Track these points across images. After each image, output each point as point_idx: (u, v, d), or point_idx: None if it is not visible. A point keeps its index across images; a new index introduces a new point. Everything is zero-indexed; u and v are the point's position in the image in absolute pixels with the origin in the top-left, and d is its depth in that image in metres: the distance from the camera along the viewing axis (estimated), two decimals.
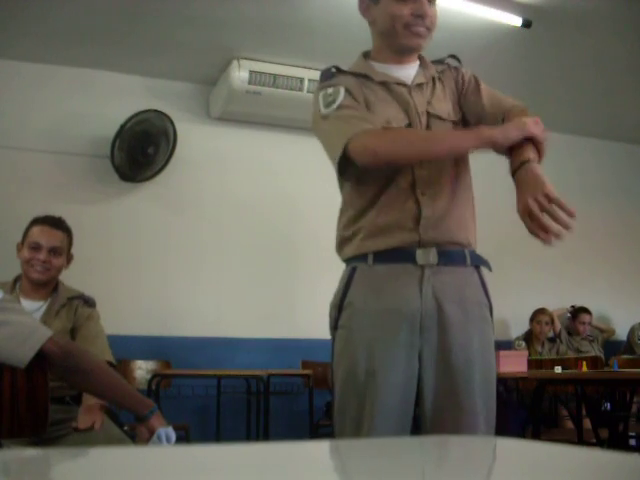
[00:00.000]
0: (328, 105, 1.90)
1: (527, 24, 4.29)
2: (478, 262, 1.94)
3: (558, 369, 3.91)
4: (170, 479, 0.76)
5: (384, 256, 1.87)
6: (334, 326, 1.92)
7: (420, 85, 1.98)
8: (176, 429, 4.56)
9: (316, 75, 2.14)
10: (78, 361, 1.99)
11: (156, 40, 4.59)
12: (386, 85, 1.96)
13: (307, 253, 5.12)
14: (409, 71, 2.00)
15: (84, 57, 4.79)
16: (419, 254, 1.85)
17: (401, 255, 1.86)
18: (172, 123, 4.81)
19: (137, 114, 4.72)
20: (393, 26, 1.92)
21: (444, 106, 1.99)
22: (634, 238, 6.33)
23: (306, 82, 4.84)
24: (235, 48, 4.75)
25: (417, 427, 1.87)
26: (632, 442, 4.47)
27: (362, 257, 1.89)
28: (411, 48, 1.97)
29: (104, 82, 4.96)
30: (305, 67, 4.82)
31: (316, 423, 4.45)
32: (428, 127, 1.94)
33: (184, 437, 4.34)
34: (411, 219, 1.86)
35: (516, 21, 4.28)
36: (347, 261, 1.95)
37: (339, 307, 1.90)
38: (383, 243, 1.87)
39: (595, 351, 5.66)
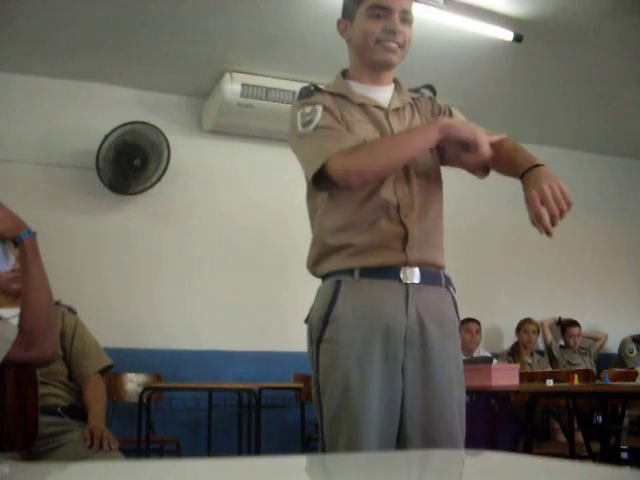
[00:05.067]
0: (305, 125, 1.94)
1: (518, 38, 4.31)
2: (449, 283, 2.02)
3: (550, 382, 3.91)
4: None
5: (370, 272, 1.91)
6: (318, 339, 1.92)
7: (397, 110, 2.03)
8: (167, 443, 4.54)
9: None
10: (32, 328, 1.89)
11: (149, 53, 4.59)
12: (364, 107, 2.00)
13: (298, 266, 5.03)
14: (386, 94, 2.05)
15: (76, 69, 4.78)
16: (404, 273, 1.91)
17: (387, 272, 1.91)
18: (164, 135, 4.78)
19: (121, 126, 4.68)
20: (366, 42, 1.97)
21: None
22: (625, 252, 6.34)
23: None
24: (227, 61, 4.76)
25: (398, 440, 1.89)
26: (624, 455, 4.47)
27: (347, 272, 1.91)
28: (383, 63, 2.00)
29: (96, 94, 4.96)
30: (297, 80, 4.82)
31: (308, 437, 4.42)
32: None
33: (175, 451, 4.31)
34: (399, 240, 1.92)
35: (507, 35, 4.31)
36: (327, 275, 1.96)
37: (325, 320, 1.90)
38: (369, 261, 1.91)
39: (587, 364, 5.66)
